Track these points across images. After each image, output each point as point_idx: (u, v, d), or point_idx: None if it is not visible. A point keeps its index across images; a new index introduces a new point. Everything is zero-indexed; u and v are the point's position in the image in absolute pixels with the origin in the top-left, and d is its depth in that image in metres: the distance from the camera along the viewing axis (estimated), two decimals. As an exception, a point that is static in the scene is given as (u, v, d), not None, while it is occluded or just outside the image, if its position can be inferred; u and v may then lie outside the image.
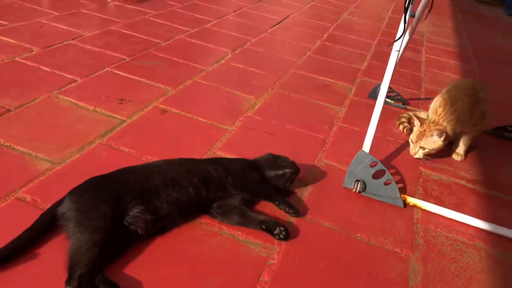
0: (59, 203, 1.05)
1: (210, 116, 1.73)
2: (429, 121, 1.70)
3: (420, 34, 3.64)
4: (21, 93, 1.64)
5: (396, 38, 1.48)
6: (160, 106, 1.75)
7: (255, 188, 1.26)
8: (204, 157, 1.46)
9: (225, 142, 1.58)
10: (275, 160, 1.34)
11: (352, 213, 1.34)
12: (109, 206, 1.01)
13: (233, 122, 1.73)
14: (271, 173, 1.30)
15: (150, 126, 1.59)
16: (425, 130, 1.66)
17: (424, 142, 1.65)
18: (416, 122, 1.71)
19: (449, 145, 1.78)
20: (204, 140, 1.57)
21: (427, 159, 1.70)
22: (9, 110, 1.52)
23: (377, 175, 1.42)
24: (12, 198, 1.14)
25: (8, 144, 1.35)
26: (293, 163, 1.34)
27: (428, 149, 1.65)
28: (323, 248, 1.19)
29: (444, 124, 1.68)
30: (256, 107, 1.89)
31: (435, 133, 1.63)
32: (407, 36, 1.68)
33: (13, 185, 1.18)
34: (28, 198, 1.15)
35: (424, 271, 1.17)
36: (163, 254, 1.06)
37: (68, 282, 0.89)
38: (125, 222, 1.03)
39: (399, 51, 1.51)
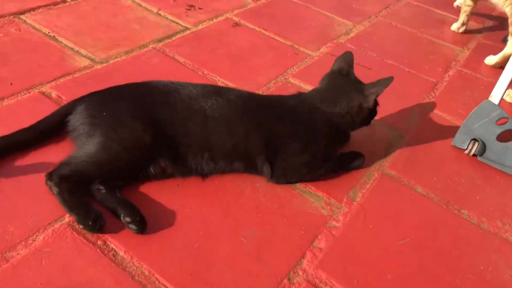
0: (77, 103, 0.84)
1: (291, 37, 1.41)
2: None
3: None
4: (84, -14, 1.45)
5: None
6: (234, 18, 1.46)
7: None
8: (273, 82, 1.17)
9: (303, 69, 1.26)
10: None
11: (459, 182, 0.97)
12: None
13: (319, 47, 1.39)
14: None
15: (217, 38, 1.32)
16: None
17: None
18: None
19: None
20: (277, 62, 1.27)
21: None
22: (65, 1, 1.35)
23: (505, 136, 1.05)
24: (36, 91, 0.97)
25: (53, 35, 1.18)
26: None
27: None
28: (410, 220, 0.85)
29: None
30: (352, 34, 1.52)
31: None
32: None
33: (41, 78, 1.01)
34: (54, 94, 0.97)
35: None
36: (197, 194, 0.82)
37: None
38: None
39: None
